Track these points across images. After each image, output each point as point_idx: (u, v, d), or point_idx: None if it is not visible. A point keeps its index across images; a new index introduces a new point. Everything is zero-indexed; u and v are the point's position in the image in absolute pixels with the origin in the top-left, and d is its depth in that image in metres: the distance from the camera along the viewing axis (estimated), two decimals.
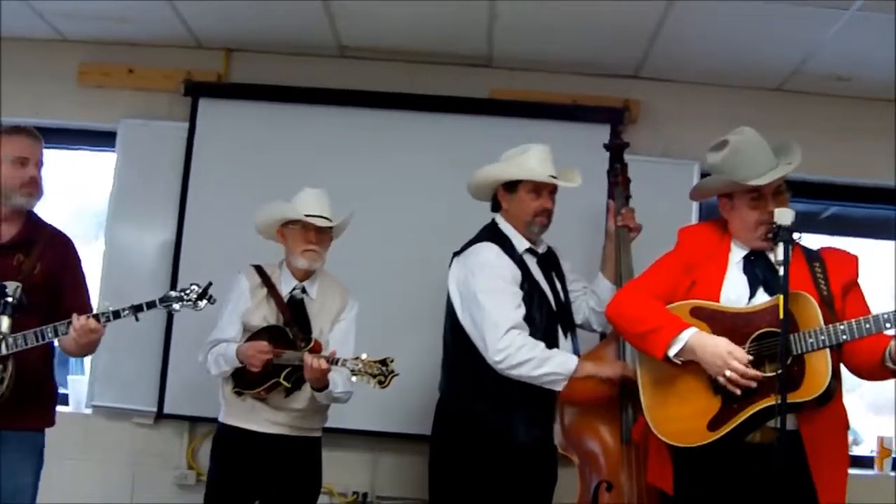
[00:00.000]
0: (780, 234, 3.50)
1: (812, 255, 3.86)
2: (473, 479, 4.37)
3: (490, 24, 5.56)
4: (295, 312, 4.71)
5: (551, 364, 4.28)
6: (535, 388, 4.31)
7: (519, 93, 6.13)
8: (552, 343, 4.43)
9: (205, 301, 4.25)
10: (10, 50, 6.13)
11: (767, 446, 3.56)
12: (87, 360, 6.01)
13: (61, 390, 6.17)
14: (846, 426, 3.81)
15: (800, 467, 3.60)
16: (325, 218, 4.70)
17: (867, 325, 3.44)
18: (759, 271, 3.81)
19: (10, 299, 3.84)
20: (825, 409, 3.62)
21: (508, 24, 5.54)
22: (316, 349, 4.51)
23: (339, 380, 4.48)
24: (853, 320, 3.48)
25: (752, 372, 3.58)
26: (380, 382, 4.23)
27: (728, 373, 3.59)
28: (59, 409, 6.01)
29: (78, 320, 4.08)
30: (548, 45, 5.79)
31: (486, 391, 4.40)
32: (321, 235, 4.72)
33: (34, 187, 4.35)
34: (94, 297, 5.83)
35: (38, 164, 4.38)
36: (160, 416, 5.93)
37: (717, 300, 3.83)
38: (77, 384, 6.14)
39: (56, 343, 4.29)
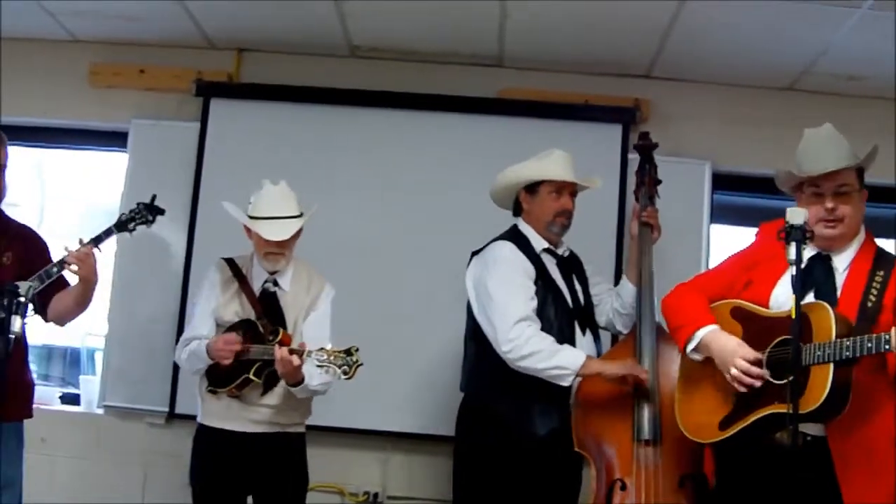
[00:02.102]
0: (792, 234, 3.42)
1: (882, 261, 3.77)
2: (497, 477, 4.39)
3: (501, 24, 5.56)
4: (267, 305, 4.60)
5: (559, 358, 4.31)
6: (554, 384, 4.34)
7: (530, 92, 6.12)
8: (568, 339, 4.46)
9: (156, 215, 4.47)
10: (22, 50, 6.14)
11: (795, 450, 3.53)
12: (99, 360, 6.02)
13: (73, 390, 6.24)
14: (893, 444, 3.61)
15: (826, 475, 3.55)
16: (278, 218, 4.56)
17: (869, 344, 3.37)
18: (815, 274, 3.73)
19: (22, 299, 3.84)
20: (862, 419, 3.54)
21: (519, 23, 5.54)
22: (284, 342, 4.37)
23: (314, 372, 4.30)
24: (858, 338, 3.41)
25: (756, 370, 3.58)
26: (344, 373, 4.07)
27: (733, 371, 3.61)
28: (72, 409, 6.17)
29: (76, 249, 4.24)
30: (558, 44, 5.78)
31: (506, 388, 4.42)
32: (286, 239, 4.58)
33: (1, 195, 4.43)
34: (105, 296, 5.92)
35: (5, 167, 4.44)
36: (172, 415, 5.92)
37: (768, 300, 3.81)
38: (89, 384, 6.15)
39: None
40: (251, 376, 4.40)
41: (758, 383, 3.58)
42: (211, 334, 4.59)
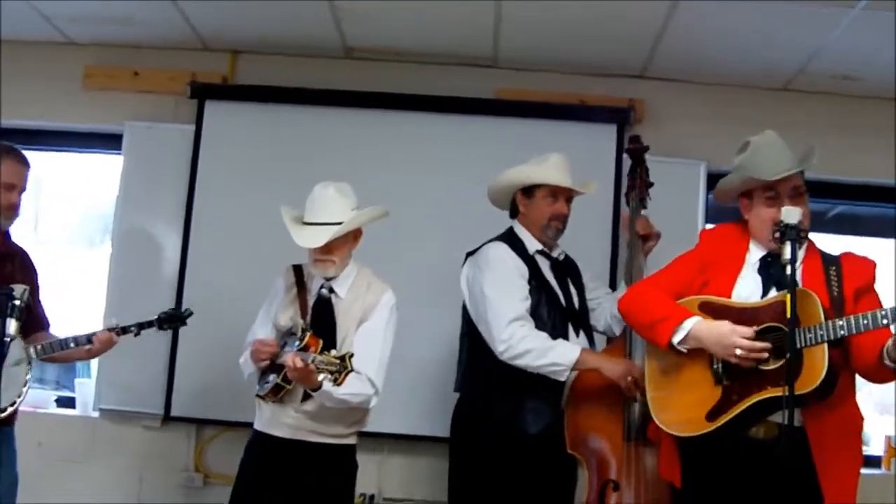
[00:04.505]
0: (787, 233, 3.52)
1: (829, 260, 3.90)
2: (492, 476, 4.41)
3: (496, 25, 5.56)
4: (320, 313, 4.50)
5: (553, 354, 4.35)
6: (550, 382, 4.37)
7: (525, 93, 6.12)
8: (561, 338, 4.47)
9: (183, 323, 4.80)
10: (16, 53, 6.12)
11: (771, 442, 3.61)
12: (94, 363, 6.02)
13: (69, 394, 6.23)
14: (858, 429, 3.82)
15: (805, 465, 3.62)
16: (314, 224, 4.46)
17: (864, 321, 3.46)
18: (773, 271, 3.82)
19: (17, 302, 3.84)
20: (833, 409, 3.65)
21: (514, 24, 5.53)
22: (308, 345, 4.22)
23: (349, 381, 4.12)
24: (851, 316, 3.50)
25: (760, 343, 3.63)
26: (334, 380, 3.98)
27: (738, 352, 3.64)
28: (68, 412, 6.13)
29: (103, 334, 4.52)
30: (553, 45, 5.78)
31: (500, 388, 4.45)
32: (330, 244, 4.45)
33: (14, 211, 4.56)
34: (101, 300, 5.91)
35: (22, 189, 4.58)
36: (167, 418, 5.92)
37: (729, 298, 3.88)
38: (84, 387, 6.14)
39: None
40: (280, 381, 4.30)
41: (765, 355, 3.63)
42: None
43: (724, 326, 3.72)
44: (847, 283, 3.79)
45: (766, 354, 3.63)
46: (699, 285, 3.98)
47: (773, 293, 3.80)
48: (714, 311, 3.85)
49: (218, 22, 5.85)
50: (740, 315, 3.77)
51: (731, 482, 3.75)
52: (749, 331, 3.66)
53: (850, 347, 3.66)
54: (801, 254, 3.88)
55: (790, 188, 3.87)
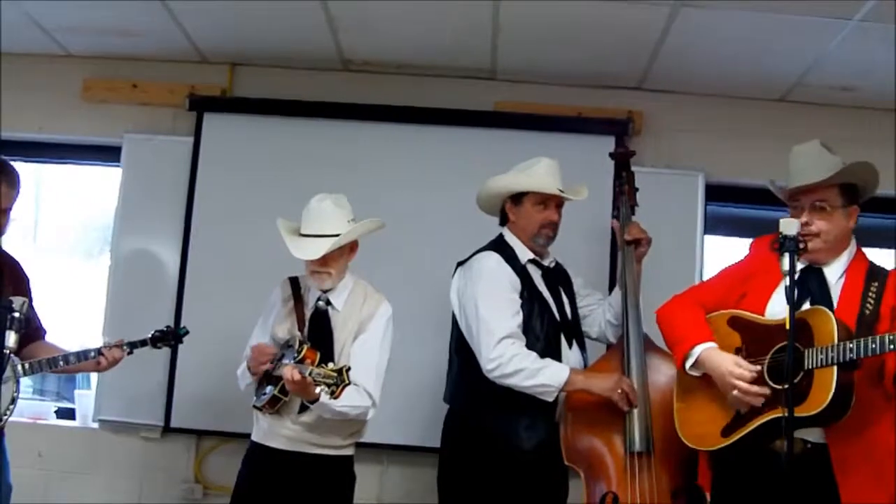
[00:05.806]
0: (786, 245, 3.48)
1: (875, 273, 3.85)
2: (482, 490, 4.39)
3: (494, 37, 5.56)
4: (317, 324, 4.52)
5: (542, 376, 4.32)
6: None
7: (523, 105, 6.12)
8: (554, 352, 4.46)
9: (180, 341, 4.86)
10: (15, 65, 6.12)
11: (795, 457, 3.54)
12: (94, 374, 6.01)
13: (68, 405, 6.23)
14: (892, 450, 3.69)
15: (826, 482, 3.60)
16: (311, 236, 4.48)
17: (873, 345, 3.42)
18: (809, 285, 3.81)
19: (17, 314, 3.83)
20: (861, 429, 3.60)
21: (512, 36, 5.54)
22: (306, 357, 4.24)
23: (345, 392, 4.12)
24: (861, 339, 3.46)
25: (755, 389, 3.65)
26: (332, 393, 3.97)
27: (735, 393, 3.68)
28: (67, 423, 6.15)
29: (110, 351, 4.55)
30: (551, 57, 5.78)
31: (491, 402, 4.41)
32: (327, 256, 4.46)
33: (3, 230, 4.58)
34: (100, 311, 5.91)
35: (10, 209, 4.58)
36: (167, 429, 5.91)
37: (763, 312, 3.88)
38: (84, 399, 6.14)
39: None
40: (277, 393, 4.32)
41: (759, 402, 3.65)
42: None
43: (727, 362, 3.74)
44: (886, 300, 3.74)
45: (761, 400, 3.64)
46: (737, 297, 3.99)
47: (806, 306, 3.75)
48: (741, 328, 3.87)
49: (217, 35, 5.86)
50: (765, 332, 3.77)
51: (755, 495, 3.76)
52: (748, 373, 3.68)
53: (884, 368, 3.62)
54: (844, 265, 3.89)
55: (812, 200, 3.85)
